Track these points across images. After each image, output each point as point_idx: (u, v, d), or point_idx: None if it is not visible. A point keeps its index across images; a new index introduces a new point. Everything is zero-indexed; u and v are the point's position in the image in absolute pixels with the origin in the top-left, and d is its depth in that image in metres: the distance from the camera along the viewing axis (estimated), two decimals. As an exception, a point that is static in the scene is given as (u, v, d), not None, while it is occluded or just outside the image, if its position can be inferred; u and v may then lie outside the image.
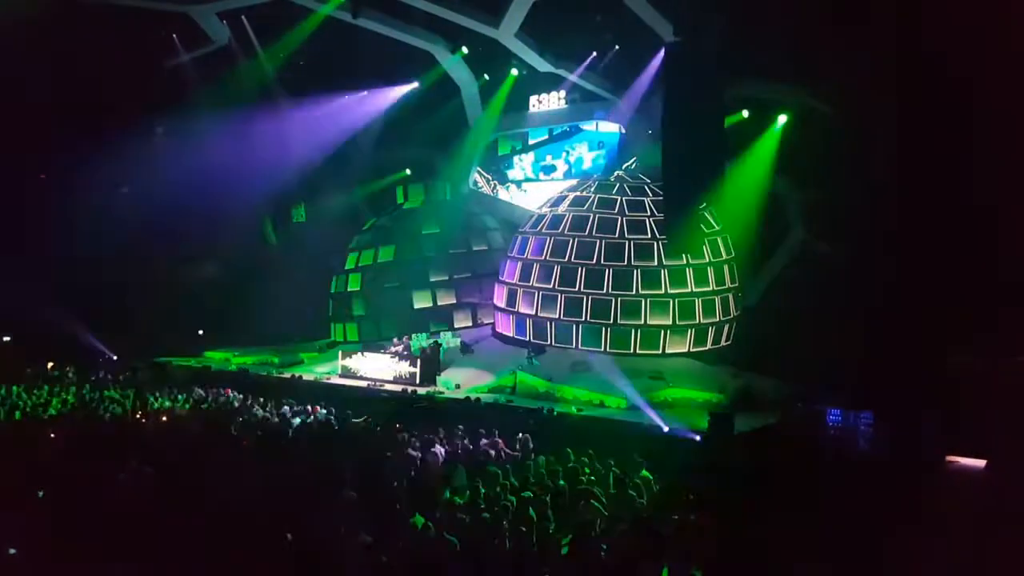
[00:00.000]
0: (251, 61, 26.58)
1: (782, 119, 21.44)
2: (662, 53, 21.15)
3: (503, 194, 28.24)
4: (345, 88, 27.55)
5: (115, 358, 25.52)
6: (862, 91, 18.46)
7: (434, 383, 21.20)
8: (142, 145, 27.83)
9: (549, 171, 27.44)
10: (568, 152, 26.98)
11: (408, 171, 28.84)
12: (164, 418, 16.51)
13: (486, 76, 26.33)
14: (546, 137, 27.37)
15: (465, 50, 24.85)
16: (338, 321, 26.35)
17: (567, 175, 26.50)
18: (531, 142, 27.85)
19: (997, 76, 15.53)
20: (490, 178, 28.44)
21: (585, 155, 26.57)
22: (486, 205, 27.79)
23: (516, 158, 28.25)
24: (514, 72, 25.62)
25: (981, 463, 14.59)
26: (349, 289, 26.18)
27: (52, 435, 14.53)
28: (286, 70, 27.01)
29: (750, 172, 21.43)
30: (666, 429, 16.36)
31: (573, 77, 24.25)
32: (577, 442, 13.37)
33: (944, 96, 16.93)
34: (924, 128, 17.46)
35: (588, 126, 26.17)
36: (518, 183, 28.30)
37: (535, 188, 27.40)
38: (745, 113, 21.55)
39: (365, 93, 27.56)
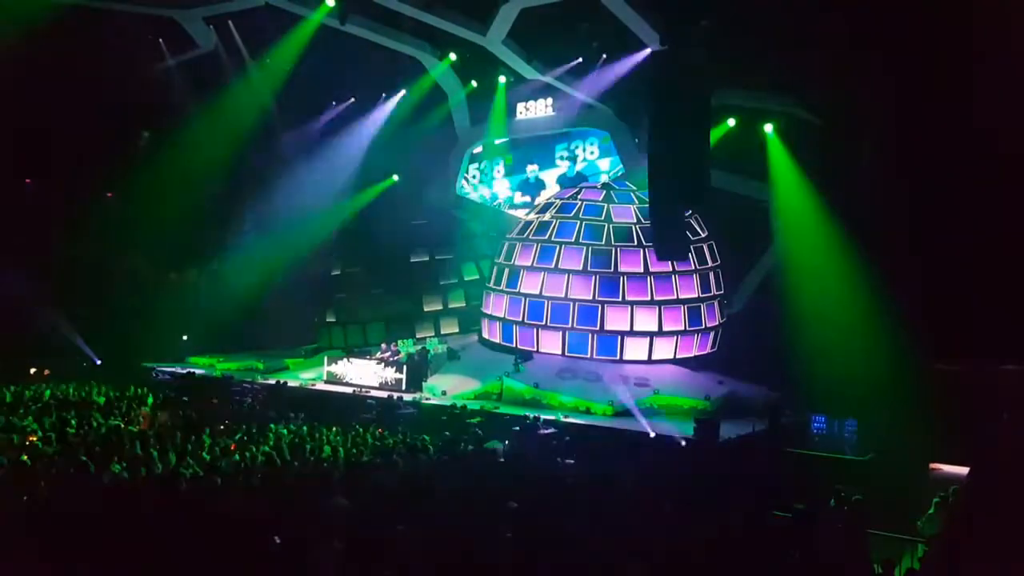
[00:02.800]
0: (238, 67, 26.44)
1: (768, 128, 21.49)
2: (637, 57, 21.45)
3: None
4: (333, 98, 27.47)
5: (98, 362, 25.21)
6: (850, 100, 18.62)
7: (420, 389, 21.12)
8: (132, 149, 27.74)
9: (535, 189, 26.69)
10: (570, 157, 26.35)
11: (396, 177, 28.74)
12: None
13: (474, 83, 26.31)
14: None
15: (453, 57, 24.83)
16: (324, 326, 26.27)
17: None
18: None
19: (991, 82, 15.69)
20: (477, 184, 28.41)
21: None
22: (473, 210, 27.77)
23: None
24: (502, 80, 25.56)
25: (964, 470, 14.66)
26: (336, 295, 26.11)
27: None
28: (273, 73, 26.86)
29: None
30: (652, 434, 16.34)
31: (548, 78, 23.87)
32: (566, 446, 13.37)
33: (932, 103, 17.08)
34: (912, 136, 17.61)
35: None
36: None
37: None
38: (731, 122, 21.65)
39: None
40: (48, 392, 18.65)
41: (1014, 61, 14.11)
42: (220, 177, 26.16)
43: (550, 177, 26.67)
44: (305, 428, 15.61)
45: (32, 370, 23.66)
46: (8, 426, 13.58)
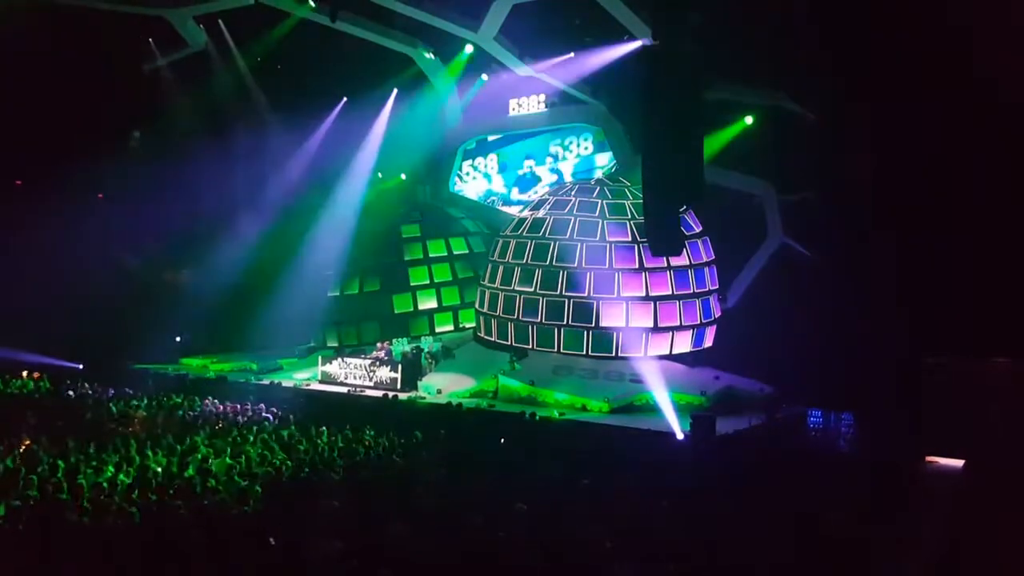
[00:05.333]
0: (229, 66, 26.37)
1: (748, 120, 21.62)
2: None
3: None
4: (324, 95, 27.33)
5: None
6: (840, 93, 18.63)
7: (416, 388, 21.07)
8: (120, 150, 27.60)
9: (529, 184, 26.73)
10: (561, 154, 26.32)
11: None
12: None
13: (429, 55, 25.27)
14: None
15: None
16: (319, 326, 26.17)
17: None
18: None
19: (981, 78, 15.73)
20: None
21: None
22: (467, 208, 27.70)
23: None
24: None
25: (959, 463, 14.73)
26: (329, 294, 26.02)
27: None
28: (263, 73, 26.78)
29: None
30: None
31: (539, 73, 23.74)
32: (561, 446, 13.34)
33: (922, 97, 17.12)
34: (901, 129, 17.65)
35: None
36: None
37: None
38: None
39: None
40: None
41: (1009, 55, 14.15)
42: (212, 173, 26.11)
43: (544, 173, 26.66)
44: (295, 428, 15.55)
45: (24, 372, 23.49)
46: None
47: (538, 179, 26.68)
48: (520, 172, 27.05)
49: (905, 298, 17.66)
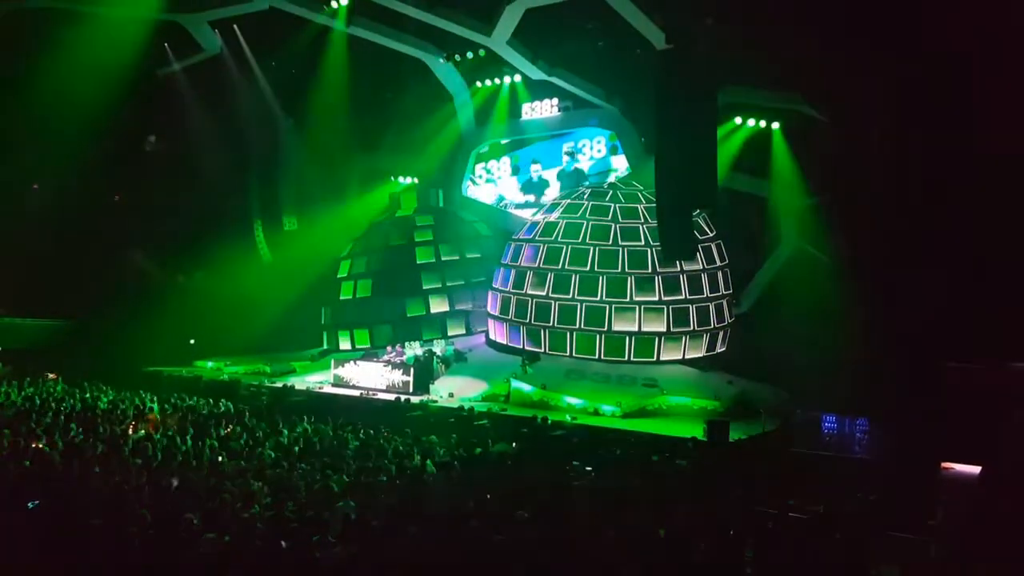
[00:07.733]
0: (244, 71, 26.59)
1: (775, 126, 21.52)
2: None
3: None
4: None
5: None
6: (856, 97, 18.51)
7: (427, 392, 21.06)
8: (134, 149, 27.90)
9: (539, 189, 26.71)
10: (573, 155, 26.39)
11: (416, 180, 28.74)
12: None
13: (484, 83, 26.36)
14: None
15: (459, 58, 24.83)
16: (331, 329, 26.25)
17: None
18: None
19: (996, 79, 15.59)
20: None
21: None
22: (479, 212, 27.70)
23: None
24: (508, 80, 25.39)
25: (976, 469, 14.53)
26: (341, 297, 26.09)
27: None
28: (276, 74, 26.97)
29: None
30: None
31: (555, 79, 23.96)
32: (568, 449, 13.28)
33: (939, 100, 16.97)
34: (919, 133, 17.52)
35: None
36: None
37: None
38: (738, 120, 21.60)
39: None
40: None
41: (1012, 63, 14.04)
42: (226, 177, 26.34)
43: (554, 176, 26.63)
44: (310, 428, 15.58)
45: (50, 375, 23.67)
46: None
47: (546, 183, 26.67)
48: (528, 177, 27.06)
49: (925, 300, 17.48)
